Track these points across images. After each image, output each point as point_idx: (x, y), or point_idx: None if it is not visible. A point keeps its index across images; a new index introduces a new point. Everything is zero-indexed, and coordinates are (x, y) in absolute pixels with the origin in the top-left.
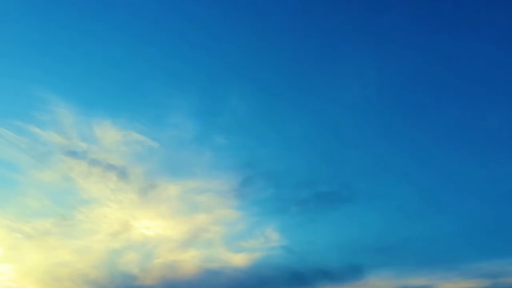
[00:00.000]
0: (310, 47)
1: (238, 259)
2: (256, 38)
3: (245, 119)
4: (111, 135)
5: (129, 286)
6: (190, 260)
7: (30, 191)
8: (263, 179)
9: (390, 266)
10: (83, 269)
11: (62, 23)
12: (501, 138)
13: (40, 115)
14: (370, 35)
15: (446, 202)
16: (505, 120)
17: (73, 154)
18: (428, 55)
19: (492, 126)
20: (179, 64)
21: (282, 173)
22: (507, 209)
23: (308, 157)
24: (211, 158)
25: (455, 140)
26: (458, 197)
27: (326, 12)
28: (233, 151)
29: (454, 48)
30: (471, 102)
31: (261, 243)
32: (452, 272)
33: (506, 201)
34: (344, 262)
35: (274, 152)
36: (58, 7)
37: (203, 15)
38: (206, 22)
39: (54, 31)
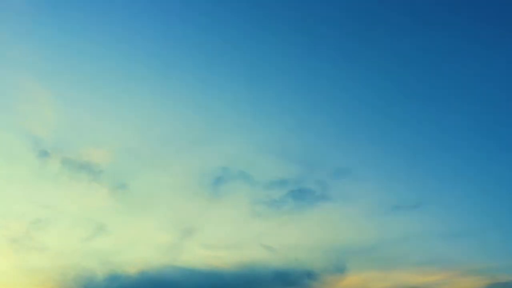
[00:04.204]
0: (276, 51)
1: (218, 259)
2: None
3: (222, 119)
4: (87, 132)
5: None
6: (168, 260)
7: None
8: (240, 178)
9: (373, 265)
10: (58, 272)
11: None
12: (484, 137)
13: (18, 106)
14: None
15: (425, 200)
16: (484, 116)
17: (47, 152)
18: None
19: (470, 126)
20: (158, 65)
21: (258, 172)
22: (488, 208)
23: (284, 157)
24: (188, 157)
25: (434, 138)
26: (437, 195)
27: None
28: (210, 151)
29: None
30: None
31: (241, 242)
32: (437, 271)
33: (486, 200)
34: (327, 262)
35: (250, 151)
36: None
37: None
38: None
39: (45, 26)
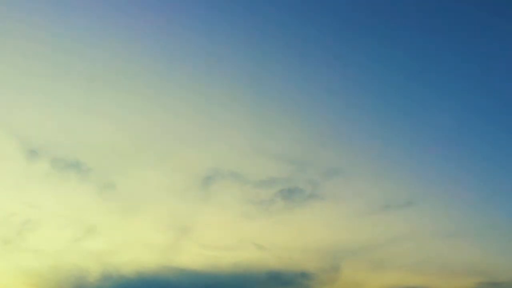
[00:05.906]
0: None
1: (210, 259)
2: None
3: (213, 119)
4: (75, 131)
5: None
6: (159, 260)
7: None
8: (230, 178)
9: (366, 265)
10: (50, 273)
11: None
12: (476, 135)
13: (7, 105)
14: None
15: (417, 199)
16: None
17: (36, 151)
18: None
19: (462, 124)
20: (149, 64)
21: (248, 172)
22: (481, 207)
23: (274, 156)
24: (178, 156)
25: (426, 136)
26: (429, 194)
27: None
28: (200, 150)
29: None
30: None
31: (233, 242)
32: (429, 270)
33: (479, 199)
34: (320, 261)
35: (240, 151)
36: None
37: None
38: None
39: (39, 26)
